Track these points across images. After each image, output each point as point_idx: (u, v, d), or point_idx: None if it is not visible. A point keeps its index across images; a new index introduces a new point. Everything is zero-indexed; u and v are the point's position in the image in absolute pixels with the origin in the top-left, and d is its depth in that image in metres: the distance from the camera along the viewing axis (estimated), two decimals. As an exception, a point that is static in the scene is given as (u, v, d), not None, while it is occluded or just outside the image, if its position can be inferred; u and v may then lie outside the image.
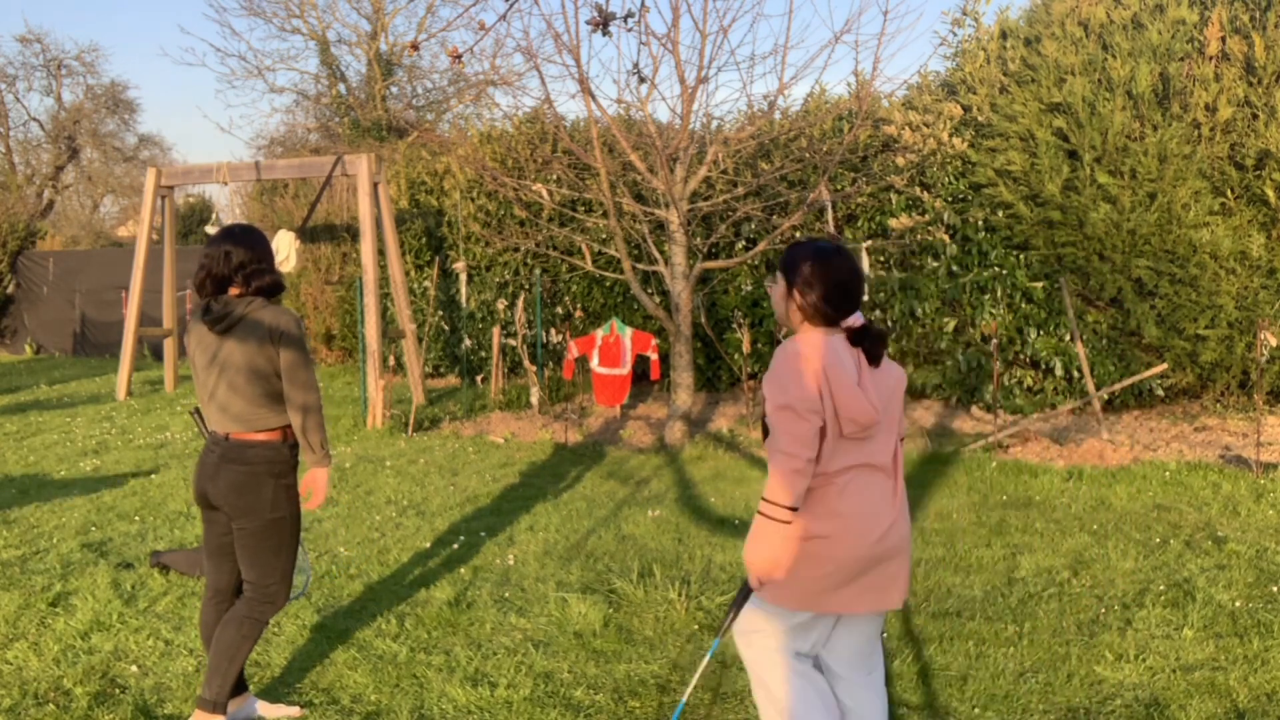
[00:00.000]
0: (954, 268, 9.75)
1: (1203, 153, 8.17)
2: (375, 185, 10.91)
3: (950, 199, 9.70)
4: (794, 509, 2.65)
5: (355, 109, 22.77)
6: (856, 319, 2.81)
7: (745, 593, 2.87)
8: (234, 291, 3.44)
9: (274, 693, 3.90)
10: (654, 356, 9.77)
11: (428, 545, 5.85)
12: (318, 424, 3.45)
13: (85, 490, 7.36)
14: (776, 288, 2.88)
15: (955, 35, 10.16)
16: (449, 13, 24.35)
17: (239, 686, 3.66)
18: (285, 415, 3.47)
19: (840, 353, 2.73)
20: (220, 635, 3.45)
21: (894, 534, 2.78)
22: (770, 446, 2.69)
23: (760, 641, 2.86)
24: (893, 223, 9.22)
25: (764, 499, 2.68)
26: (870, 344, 2.78)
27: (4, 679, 4.05)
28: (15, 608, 4.83)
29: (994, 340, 8.38)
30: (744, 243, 10.78)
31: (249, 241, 3.46)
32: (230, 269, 3.42)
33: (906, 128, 8.78)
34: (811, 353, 2.70)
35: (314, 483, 3.59)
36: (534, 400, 10.19)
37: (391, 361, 12.82)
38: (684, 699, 3.21)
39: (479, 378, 12.29)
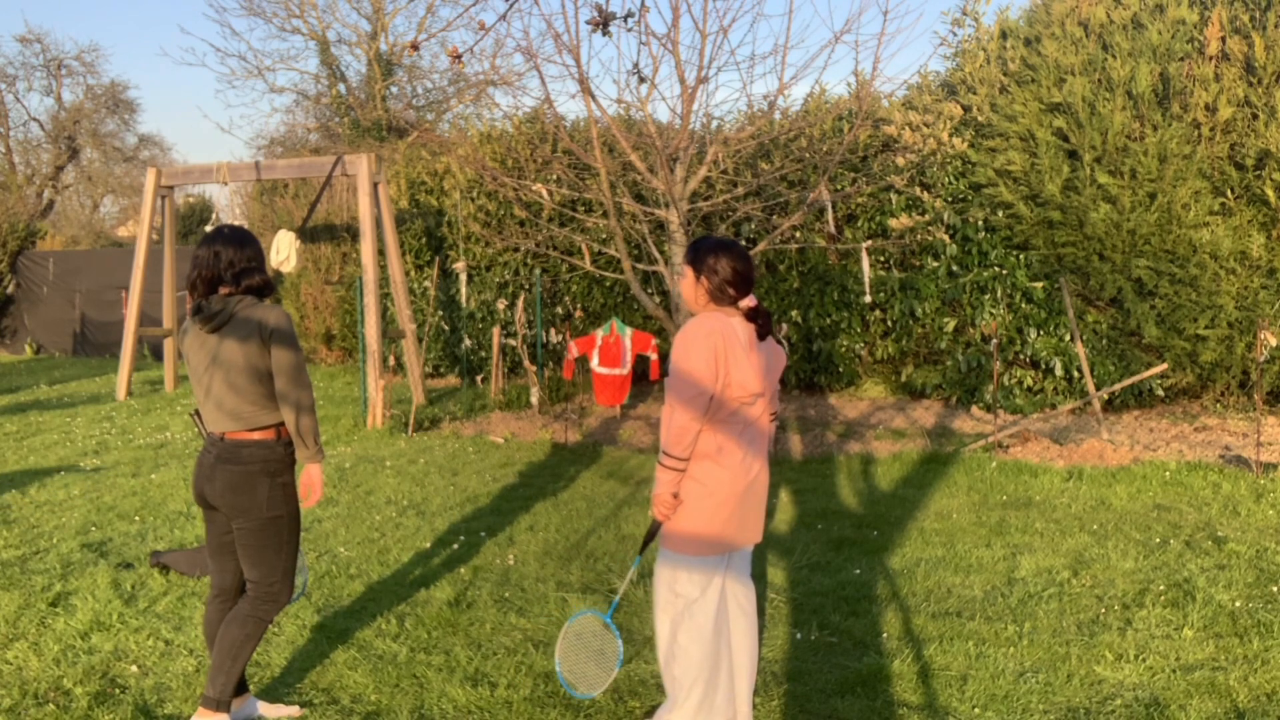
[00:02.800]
0: (954, 268, 9.75)
1: (1203, 153, 8.17)
2: (375, 185, 10.91)
3: (950, 199, 9.71)
4: (686, 459, 3.22)
5: (355, 109, 22.77)
6: (750, 300, 3.31)
7: (654, 529, 3.45)
8: (224, 291, 3.47)
9: (274, 692, 3.90)
10: (654, 356, 9.77)
11: (428, 545, 5.85)
12: (311, 420, 3.48)
13: (85, 490, 7.36)
14: (684, 279, 3.33)
15: (955, 35, 10.17)
16: (449, 13, 24.38)
17: (239, 686, 3.67)
18: (279, 414, 3.49)
19: (738, 330, 3.25)
20: (224, 634, 3.47)
21: (760, 480, 3.36)
22: (667, 405, 3.22)
23: (683, 596, 3.32)
24: (893, 223, 9.22)
25: (663, 452, 3.23)
26: (761, 321, 3.30)
27: (4, 679, 4.05)
28: (15, 608, 4.83)
29: (994, 340, 8.38)
30: (744, 243, 10.77)
31: (239, 241, 3.50)
32: (220, 269, 3.47)
33: (906, 128, 8.77)
34: (716, 328, 3.20)
35: (309, 480, 3.62)
36: (534, 400, 10.19)
37: (391, 361, 12.82)
38: (616, 598, 3.83)
39: (479, 378, 12.29)
